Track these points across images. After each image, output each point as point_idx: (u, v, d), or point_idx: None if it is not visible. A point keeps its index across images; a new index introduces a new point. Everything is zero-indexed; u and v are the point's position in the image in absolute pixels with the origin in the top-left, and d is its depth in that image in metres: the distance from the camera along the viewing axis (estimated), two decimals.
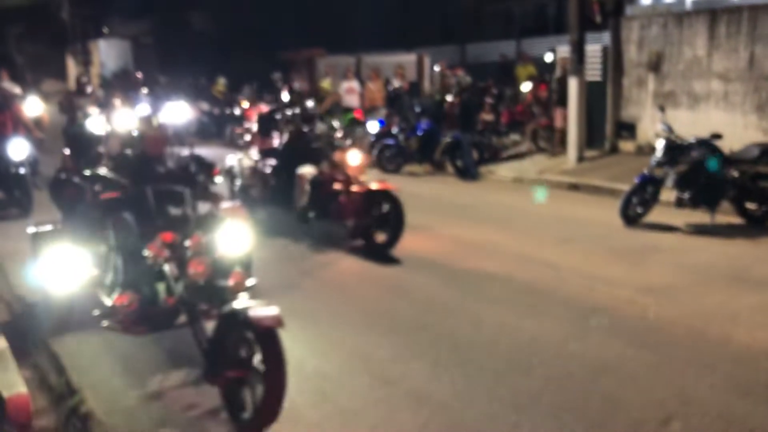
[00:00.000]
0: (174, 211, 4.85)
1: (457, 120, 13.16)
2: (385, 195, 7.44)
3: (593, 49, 13.21)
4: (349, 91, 17.96)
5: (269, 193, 8.55)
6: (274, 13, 26.31)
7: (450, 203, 10.30)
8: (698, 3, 12.57)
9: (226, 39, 28.48)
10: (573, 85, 12.61)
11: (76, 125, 10.66)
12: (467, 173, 12.35)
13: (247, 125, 13.73)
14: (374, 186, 7.52)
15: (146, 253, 4.31)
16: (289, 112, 9.82)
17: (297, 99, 13.00)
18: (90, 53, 31.73)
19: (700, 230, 8.12)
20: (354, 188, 7.61)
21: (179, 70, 24.46)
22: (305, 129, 8.80)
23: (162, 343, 5.09)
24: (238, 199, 8.49)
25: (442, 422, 3.99)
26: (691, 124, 10.88)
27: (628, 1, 13.34)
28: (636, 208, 8.48)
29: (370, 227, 7.50)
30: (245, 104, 17.34)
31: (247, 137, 11.84)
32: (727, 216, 8.29)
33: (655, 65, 12.44)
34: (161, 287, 4.44)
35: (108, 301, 4.70)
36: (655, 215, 8.49)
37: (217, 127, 17.80)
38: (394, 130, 13.39)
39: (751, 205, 8.23)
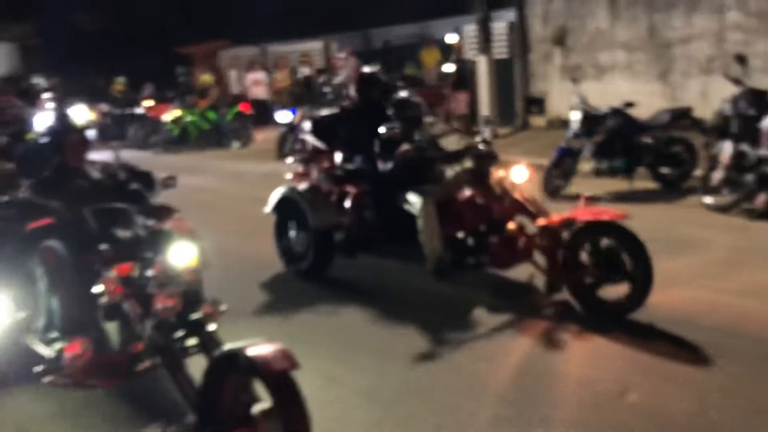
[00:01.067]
0: (120, 233, 4.04)
1: None
2: (606, 229, 4.79)
3: (499, 26, 13.32)
4: (256, 83, 17.56)
5: (360, 234, 5.84)
6: (171, 6, 25.39)
7: None
8: None
9: (121, 36, 27.31)
10: (482, 63, 12.67)
11: (29, 141, 8.35)
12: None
13: (301, 136, 8.78)
14: (584, 216, 4.85)
15: (99, 289, 3.61)
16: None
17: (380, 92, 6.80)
18: None
19: (619, 197, 8.27)
20: (543, 220, 5.06)
21: (72, 72, 23.27)
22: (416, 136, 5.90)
23: (128, 397, 4.14)
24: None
25: None
26: (599, 95, 11.06)
27: None
28: (556, 181, 8.57)
29: (597, 281, 4.79)
30: (148, 103, 16.69)
31: (298, 157, 6.93)
32: (644, 181, 8.48)
33: (560, 39, 12.66)
34: (117, 330, 3.76)
35: (48, 351, 3.89)
36: (576, 186, 8.60)
37: (119, 129, 17.05)
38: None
39: (665, 170, 8.46)
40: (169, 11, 25.36)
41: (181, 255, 3.68)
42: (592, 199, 4.98)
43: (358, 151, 5.89)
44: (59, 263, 3.91)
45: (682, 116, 8.53)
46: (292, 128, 13.09)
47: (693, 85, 11.07)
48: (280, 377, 2.98)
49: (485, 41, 12.69)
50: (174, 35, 23.22)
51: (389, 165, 5.64)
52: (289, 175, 6.54)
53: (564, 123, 9.03)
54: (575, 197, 8.25)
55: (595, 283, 4.77)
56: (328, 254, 5.95)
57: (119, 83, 19.13)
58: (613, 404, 3.75)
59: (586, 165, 8.62)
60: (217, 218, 8.42)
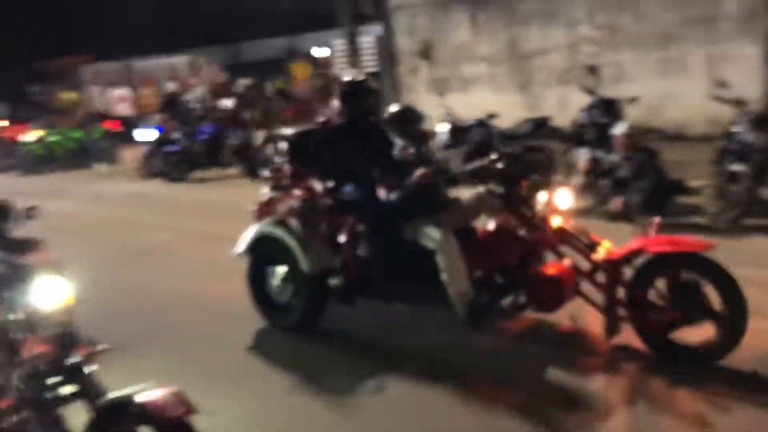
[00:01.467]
0: None
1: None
2: (685, 260, 4.06)
3: (367, 40, 13.53)
4: (121, 99, 16.93)
5: (359, 275, 4.84)
6: (24, 20, 23.99)
7: (246, 206, 9.95)
8: None
9: None
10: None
11: None
12: (260, 174, 12.07)
13: (276, 161, 6.88)
14: (657, 246, 4.10)
15: None
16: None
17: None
18: None
19: None
20: (603, 253, 4.27)
21: None
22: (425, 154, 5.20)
23: None
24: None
25: None
26: (465, 107, 11.45)
27: None
28: None
29: (674, 322, 4.03)
30: (2, 123, 15.72)
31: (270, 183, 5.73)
32: None
33: (426, 53, 13.01)
34: None
35: None
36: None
37: None
38: (175, 135, 12.73)
39: None
40: (22, 25, 23.95)
41: (50, 293, 3.24)
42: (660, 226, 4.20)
43: (349, 175, 4.89)
44: None
45: (542, 125, 8.98)
46: (159, 145, 12.71)
47: (551, 95, 11.68)
48: (175, 424, 2.74)
49: (353, 55, 12.85)
50: (29, 51, 21.98)
51: (397, 192, 4.69)
52: (252, 206, 5.51)
53: (433, 134, 9.28)
54: None
55: (672, 324, 4.03)
56: (322, 303, 4.90)
57: None
58: None
59: None
60: (87, 246, 8.01)
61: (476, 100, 12.14)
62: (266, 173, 5.77)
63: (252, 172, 12.20)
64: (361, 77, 5.22)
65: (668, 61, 10.58)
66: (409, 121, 5.36)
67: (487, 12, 12.19)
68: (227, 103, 12.98)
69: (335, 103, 5.44)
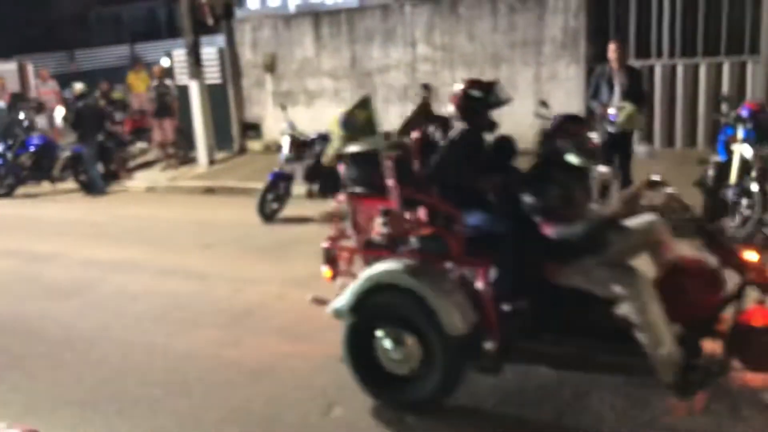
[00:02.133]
0: None
1: (78, 130, 12.12)
2: None
3: (209, 51, 13.27)
4: None
5: (506, 334, 3.78)
6: None
7: (81, 223, 9.48)
8: (301, 6, 13.33)
9: None
10: (194, 88, 12.53)
11: None
12: (94, 188, 11.50)
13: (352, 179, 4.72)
14: None
15: None
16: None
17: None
18: None
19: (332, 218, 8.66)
20: None
21: None
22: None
23: None
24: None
25: None
26: (309, 120, 11.54)
27: (237, 5, 13.63)
28: (272, 204, 8.75)
29: None
30: None
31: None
32: None
33: (271, 66, 12.96)
34: None
35: None
36: (290, 209, 8.85)
37: None
38: None
39: None
40: None
41: None
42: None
43: (474, 203, 3.96)
44: None
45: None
46: None
47: (393, 111, 11.99)
48: None
49: (195, 65, 12.56)
50: None
51: (569, 227, 3.65)
52: (323, 243, 4.37)
53: (280, 147, 9.27)
54: (291, 219, 8.58)
55: None
56: (461, 372, 3.81)
57: None
58: None
59: (300, 188, 8.92)
60: None
61: (321, 114, 12.22)
62: (339, 198, 4.46)
63: (85, 187, 11.60)
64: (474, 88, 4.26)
65: (500, 79, 11.19)
66: (506, 150, 4.38)
67: (330, 27, 12.34)
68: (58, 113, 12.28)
69: (450, 109, 4.35)
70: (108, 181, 11.87)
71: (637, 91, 7.21)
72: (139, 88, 14.68)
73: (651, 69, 10.00)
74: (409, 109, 10.93)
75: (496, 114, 4.36)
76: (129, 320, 5.74)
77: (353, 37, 12.14)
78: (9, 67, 16.69)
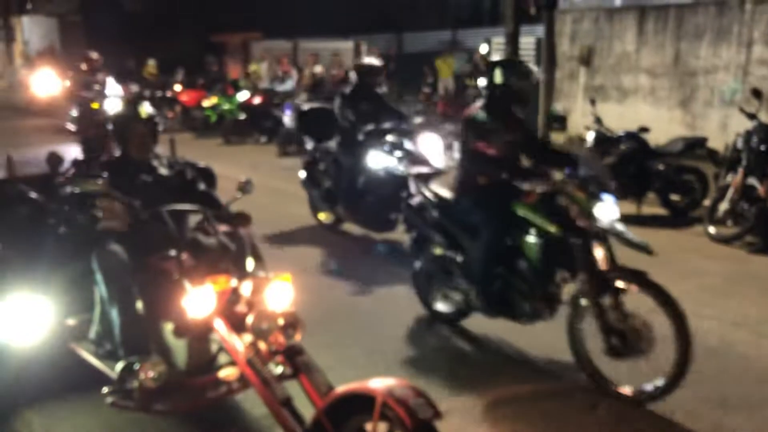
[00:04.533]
0: (203, 239, 3.68)
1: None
2: None
3: (527, 41, 13.45)
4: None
5: None
6: None
7: None
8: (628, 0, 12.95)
9: (158, 20, 27.75)
10: None
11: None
12: None
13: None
14: None
15: (188, 302, 3.21)
16: None
17: None
18: (13, 30, 30.46)
19: (627, 220, 8.26)
20: None
21: (107, 51, 23.70)
22: None
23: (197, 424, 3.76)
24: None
25: None
26: (619, 117, 11.21)
27: None
28: None
29: None
30: (178, 87, 16.97)
31: None
32: (652, 207, 8.58)
33: (586, 59, 12.76)
34: (185, 349, 3.44)
35: (108, 368, 3.52)
36: None
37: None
38: None
39: (675, 197, 8.55)
40: (206, 1, 25.65)
41: (278, 298, 3.29)
42: None
43: None
44: (121, 270, 3.52)
45: (696, 145, 8.60)
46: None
47: (714, 116, 11.14)
48: (422, 429, 2.52)
49: (513, 54, 12.81)
50: (208, 23, 23.57)
51: None
52: None
53: (583, 141, 9.16)
54: None
55: None
56: None
57: (150, 66, 19.45)
58: None
59: None
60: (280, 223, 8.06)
61: (633, 112, 11.81)
62: None
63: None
64: None
65: None
66: None
67: (655, 23, 11.77)
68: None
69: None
70: None
71: None
72: (446, 73, 15.35)
73: None
74: (733, 114, 10.06)
75: None
76: None
77: (680, 33, 11.45)
78: (346, 45, 18.53)
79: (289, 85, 14.84)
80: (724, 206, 7.42)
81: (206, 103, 15.67)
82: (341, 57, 16.67)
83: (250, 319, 3.13)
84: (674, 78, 11.59)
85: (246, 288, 3.27)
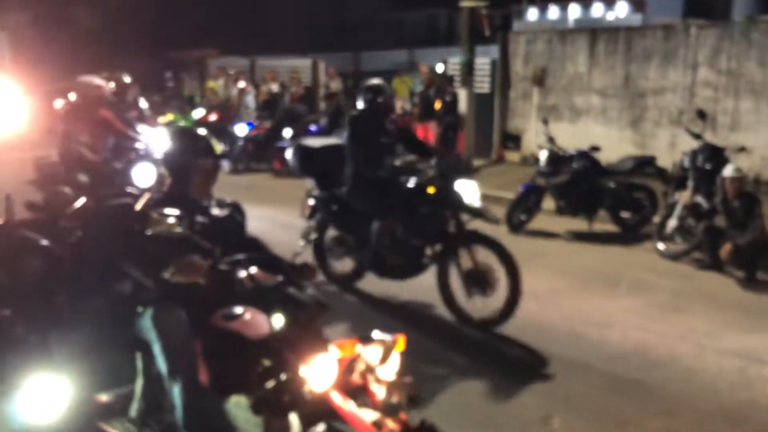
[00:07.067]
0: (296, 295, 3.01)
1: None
2: None
3: (482, 61, 13.65)
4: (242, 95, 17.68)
5: None
6: (167, 12, 25.61)
7: None
8: (580, 21, 13.25)
9: (115, 36, 27.43)
10: (463, 96, 12.99)
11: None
12: None
13: None
14: None
15: (325, 380, 2.63)
16: None
17: None
18: None
19: (579, 237, 8.53)
20: None
21: (58, 66, 23.36)
22: None
23: None
24: None
25: None
26: (571, 137, 11.41)
27: (516, 17, 13.89)
28: (520, 215, 8.81)
29: None
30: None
31: None
32: (603, 224, 8.75)
33: (540, 79, 13.00)
34: (260, 426, 2.72)
35: None
36: (538, 222, 8.85)
37: None
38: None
39: (625, 214, 8.74)
40: (163, 19, 25.52)
41: (395, 365, 2.77)
42: None
43: None
44: (186, 337, 2.89)
45: (645, 164, 8.83)
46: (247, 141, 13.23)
47: (663, 135, 11.44)
48: None
49: (468, 74, 13.02)
50: (166, 41, 23.41)
51: None
52: None
53: (537, 160, 9.31)
54: (537, 233, 8.58)
55: None
56: None
57: None
58: None
59: (550, 203, 8.89)
60: None
61: (585, 131, 12.05)
62: None
63: None
64: None
65: None
66: None
67: (606, 45, 12.08)
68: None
69: None
70: None
71: None
72: (403, 92, 15.47)
73: None
74: (681, 134, 10.36)
75: None
76: None
77: (630, 55, 11.77)
78: (304, 63, 18.57)
79: (250, 101, 14.85)
80: (672, 223, 7.62)
81: (162, 120, 15.52)
82: (299, 75, 16.69)
83: (379, 392, 2.67)
84: (624, 98, 11.89)
85: (373, 354, 2.73)
